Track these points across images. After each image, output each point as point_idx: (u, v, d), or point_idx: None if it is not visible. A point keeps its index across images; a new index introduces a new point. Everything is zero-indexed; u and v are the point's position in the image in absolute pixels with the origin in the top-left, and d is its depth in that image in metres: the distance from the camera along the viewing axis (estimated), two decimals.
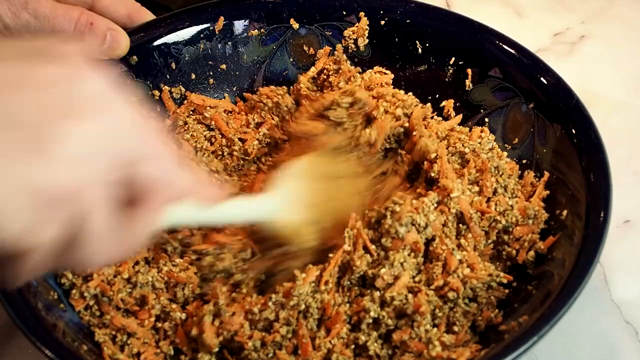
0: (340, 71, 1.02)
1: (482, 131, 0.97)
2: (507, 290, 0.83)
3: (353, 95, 0.96)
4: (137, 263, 0.85)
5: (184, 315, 0.82)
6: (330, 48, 1.04)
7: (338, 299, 0.81)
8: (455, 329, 0.79)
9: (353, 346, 0.79)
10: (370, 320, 0.79)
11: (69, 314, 0.81)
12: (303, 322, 0.79)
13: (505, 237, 0.86)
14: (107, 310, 0.82)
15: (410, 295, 0.79)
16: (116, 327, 0.81)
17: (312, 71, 1.04)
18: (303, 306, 0.79)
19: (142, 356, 0.80)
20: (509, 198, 0.88)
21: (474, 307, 0.81)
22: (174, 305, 0.83)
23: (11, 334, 0.89)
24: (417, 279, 0.82)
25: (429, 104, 0.99)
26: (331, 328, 0.79)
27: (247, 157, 0.98)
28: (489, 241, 0.86)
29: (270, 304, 0.79)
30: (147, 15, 1.00)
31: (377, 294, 0.80)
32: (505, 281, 0.83)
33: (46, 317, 0.77)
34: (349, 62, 1.04)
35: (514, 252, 0.85)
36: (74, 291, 0.82)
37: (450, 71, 1.01)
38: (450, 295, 0.80)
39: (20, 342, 0.88)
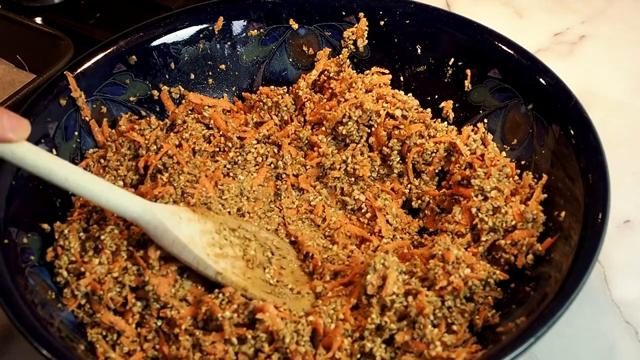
0: (341, 76, 1.02)
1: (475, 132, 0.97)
2: (502, 290, 0.83)
3: (362, 107, 0.96)
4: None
5: (159, 322, 0.82)
6: (330, 49, 1.04)
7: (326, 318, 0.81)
8: (455, 328, 0.79)
9: (359, 355, 0.79)
10: (374, 327, 0.79)
11: (66, 313, 0.82)
12: (294, 347, 0.77)
13: (502, 243, 0.86)
14: (98, 309, 0.82)
15: (410, 298, 0.79)
16: (106, 325, 0.81)
17: (314, 74, 1.03)
18: (295, 338, 0.78)
19: (133, 357, 0.80)
20: (498, 201, 0.88)
21: (471, 306, 0.81)
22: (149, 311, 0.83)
23: (11, 333, 0.89)
24: (413, 280, 0.82)
25: (428, 109, 0.99)
26: (331, 344, 0.78)
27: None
28: (481, 247, 0.86)
29: (250, 338, 0.78)
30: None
31: (374, 300, 0.80)
32: (501, 278, 0.83)
33: (44, 316, 0.77)
34: (351, 66, 1.04)
35: (512, 257, 0.85)
36: (65, 290, 0.82)
37: (450, 72, 1.01)
38: (449, 298, 0.80)
39: (20, 341, 0.88)
